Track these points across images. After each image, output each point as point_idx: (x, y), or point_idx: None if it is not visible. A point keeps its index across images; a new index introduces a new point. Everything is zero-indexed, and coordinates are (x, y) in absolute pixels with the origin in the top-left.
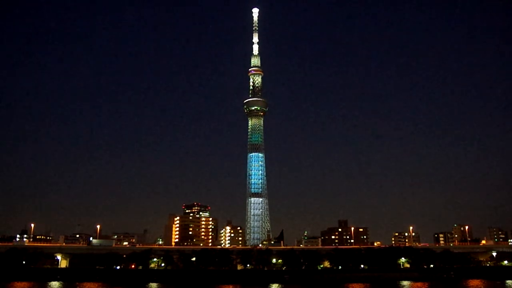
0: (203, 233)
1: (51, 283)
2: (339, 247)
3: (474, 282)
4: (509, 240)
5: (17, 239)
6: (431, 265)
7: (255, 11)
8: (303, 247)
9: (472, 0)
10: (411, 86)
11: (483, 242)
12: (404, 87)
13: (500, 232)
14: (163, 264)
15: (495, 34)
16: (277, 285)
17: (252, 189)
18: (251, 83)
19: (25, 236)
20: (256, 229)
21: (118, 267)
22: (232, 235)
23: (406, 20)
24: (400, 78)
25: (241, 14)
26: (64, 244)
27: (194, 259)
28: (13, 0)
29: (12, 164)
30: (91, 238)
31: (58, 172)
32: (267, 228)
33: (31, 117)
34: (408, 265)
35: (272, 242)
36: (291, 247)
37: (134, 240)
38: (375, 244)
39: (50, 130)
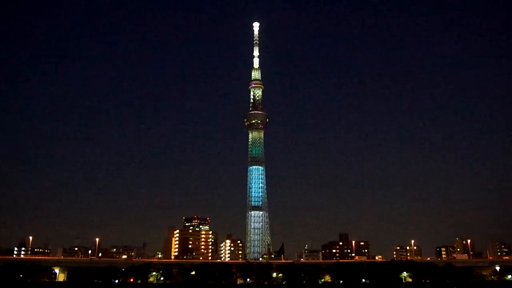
0: (203, 247)
1: None
2: (340, 261)
3: None
4: None
5: (15, 252)
6: (434, 279)
7: (256, 25)
8: (303, 261)
9: (470, 4)
10: (412, 99)
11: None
12: (406, 100)
13: (503, 246)
14: (162, 278)
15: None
16: None
17: (252, 202)
18: (251, 96)
19: (23, 249)
20: (256, 242)
21: (117, 281)
22: (232, 248)
23: (406, 32)
24: (401, 90)
25: (242, 28)
26: (62, 257)
27: (193, 273)
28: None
29: (10, 176)
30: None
31: (56, 184)
32: (267, 242)
33: (29, 129)
34: (410, 280)
35: (273, 256)
36: (292, 261)
37: (133, 253)
38: (377, 258)
39: (48, 143)
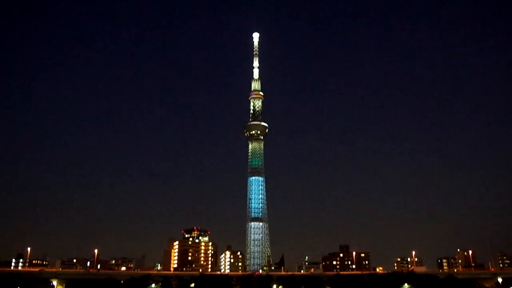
0: (202, 258)
1: None
2: (340, 272)
3: None
4: None
5: (13, 264)
6: None
7: (256, 36)
8: (304, 273)
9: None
10: (414, 110)
11: None
12: (406, 111)
13: (505, 257)
14: None
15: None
16: None
17: (252, 214)
18: (251, 107)
19: (20, 260)
20: (256, 254)
21: None
22: (232, 260)
23: (407, 43)
24: (401, 101)
25: (242, 38)
26: (60, 269)
27: (193, 285)
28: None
29: (8, 187)
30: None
31: (55, 196)
32: (267, 253)
33: (28, 140)
34: None
35: (273, 268)
36: (292, 273)
37: (132, 265)
38: (378, 269)
39: (47, 154)
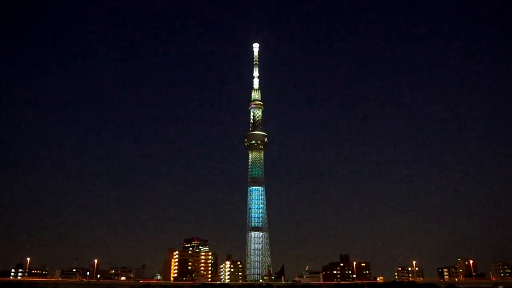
0: (202, 268)
1: None
2: (341, 282)
3: None
4: None
5: (12, 273)
6: None
7: (256, 46)
8: (304, 282)
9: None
10: (414, 120)
11: None
12: (406, 122)
13: (506, 267)
14: None
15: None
16: None
17: (252, 223)
18: (251, 117)
19: (20, 270)
20: (256, 264)
21: None
22: (232, 270)
23: (410, 54)
24: (402, 112)
25: (242, 49)
26: (60, 278)
27: None
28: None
29: (8, 196)
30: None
31: (55, 205)
32: (267, 263)
33: (26, 149)
34: None
35: (273, 278)
36: (292, 282)
37: (132, 274)
38: (378, 279)
39: (46, 163)
